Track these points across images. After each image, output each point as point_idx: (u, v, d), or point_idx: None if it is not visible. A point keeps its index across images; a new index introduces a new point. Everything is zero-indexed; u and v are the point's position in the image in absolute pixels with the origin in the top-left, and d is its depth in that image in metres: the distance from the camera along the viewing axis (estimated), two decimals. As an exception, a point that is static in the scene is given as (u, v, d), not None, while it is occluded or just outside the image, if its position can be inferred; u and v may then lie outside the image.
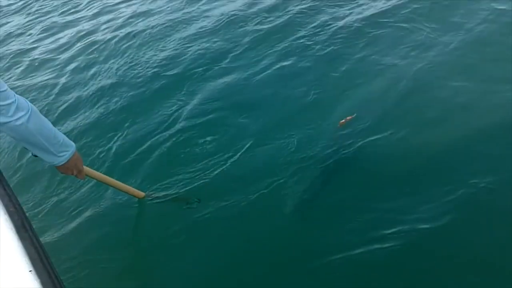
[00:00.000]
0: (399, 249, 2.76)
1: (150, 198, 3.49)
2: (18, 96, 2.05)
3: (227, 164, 3.67)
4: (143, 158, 4.03)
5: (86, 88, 5.49)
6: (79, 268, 3.11)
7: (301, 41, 5.25)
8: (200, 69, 5.19)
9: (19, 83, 6.20)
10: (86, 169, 2.79)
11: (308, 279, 2.73)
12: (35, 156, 2.34)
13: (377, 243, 2.82)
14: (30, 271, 1.30)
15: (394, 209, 3.02)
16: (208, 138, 4.02)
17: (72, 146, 2.43)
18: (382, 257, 2.75)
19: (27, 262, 1.33)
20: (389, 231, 2.87)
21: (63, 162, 2.40)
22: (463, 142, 3.42)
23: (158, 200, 3.49)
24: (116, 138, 4.38)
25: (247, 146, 3.82)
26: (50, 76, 6.12)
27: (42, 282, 1.27)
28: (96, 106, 5.04)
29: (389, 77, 4.36)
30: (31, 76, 6.33)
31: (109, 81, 5.48)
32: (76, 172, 2.58)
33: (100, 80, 5.57)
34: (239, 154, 3.76)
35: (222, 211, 3.29)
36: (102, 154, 4.21)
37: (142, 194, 3.44)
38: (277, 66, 4.91)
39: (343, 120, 3.83)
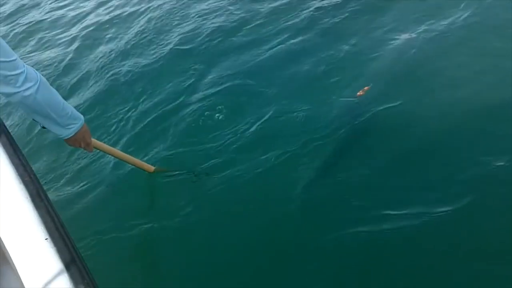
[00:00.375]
0: (409, 230, 2.71)
1: (159, 172, 3.48)
2: (27, 66, 2.02)
3: (239, 137, 3.68)
4: (154, 131, 4.05)
5: (98, 61, 5.51)
6: (92, 237, 3.16)
7: (315, 14, 5.21)
8: (214, 42, 5.18)
9: (30, 54, 6.22)
10: (95, 142, 2.77)
11: (316, 255, 2.74)
12: (44, 128, 2.33)
13: (386, 223, 2.78)
14: (46, 239, 1.32)
15: (406, 187, 2.99)
16: (220, 112, 4.01)
17: (81, 118, 2.41)
18: (391, 237, 2.71)
19: (43, 230, 1.35)
20: (400, 212, 2.83)
21: (71, 135, 2.38)
22: (475, 116, 3.36)
23: (167, 174, 3.49)
24: (127, 111, 4.40)
25: (260, 119, 3.82)
26: (61, 48, 6.14)
27: (58, 249, 1.29)
28: (108, 79, 5.06)
29: (400, 48, 4.33)
30: (42, 48, 6.35)
31: (121, 54, 5.49)
32: (84, 144, 2.56)
33: (111, 53, 5.57)
34: (251, 127, 3.76)
35: (231, 185, 3.31)
36: (113, 127, 4.24)
37: (151, 168, 3.42)
38: (292, 40, 4.89)
39: (360, 91, 3.80)
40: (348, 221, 2.86)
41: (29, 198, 1.46)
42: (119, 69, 5.16)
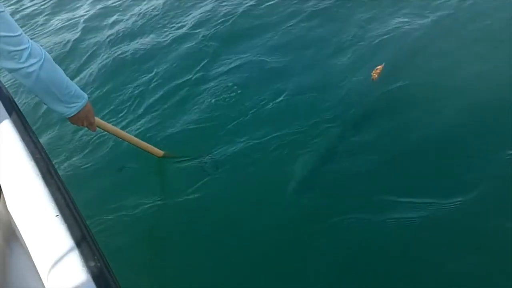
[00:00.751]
0: (414, 220, 2.66)
1: (168, 158, 3.43)
2: (32, 42, 2.00)
3: (249, 118, 3.67)
4: (163, 113, 4.04)
5: (106, 40, 5.53)
6: (97, 216, 3.16)
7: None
8: (226, 24, 5.15)
9: (38, 34, 6.21)
10: (99, 121, 2.74)
11: (318, 240, 2.73)
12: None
13: (392, 212, 2.74)
14: (57, 216, 1.32)
15: (413, 176, 2.95)
16: (231, 92, 4.01)
17: (84, 97, 2.38)
18: (396, 226, 2.66)
19: (54, 207, 1.35)
20: (406, 200, 2.78)
21: (73, 113, 2.36)
22: (488, 104, 3.29)
23: (176, 160, 3.45)
24: (136, 91, 4.41)
25: (272, 100, 3.81)
26: (69, 28, 6.15)
27: (69, 226, 1.29)
28: (117, 59, 5.06)
29: (409, 29, 4.35)
30: (49, 28, 6.35)
31: (130, 35, 5.51)
32: (86, 123, 2.54)
33: (120, 34, 5.60)
34: (262, 108, 3.75)
35: (237, 169, 3.30)
36: (121, 107, 4.25)
37: (160, 152, 3.34)
38: (303, 23, 4.87)
39: (374, 72, 3.74)
40: (352, 207, 2.84)
41: (39, 175, 1.46)
42: (128, 49, 5.16)
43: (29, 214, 1.38)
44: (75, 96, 2.31)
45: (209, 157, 3.44)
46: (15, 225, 1.43)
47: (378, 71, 3.73)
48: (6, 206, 1.51)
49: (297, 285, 2.56)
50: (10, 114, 1.80)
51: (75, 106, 2.34)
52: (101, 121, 2.82)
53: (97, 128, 2.74)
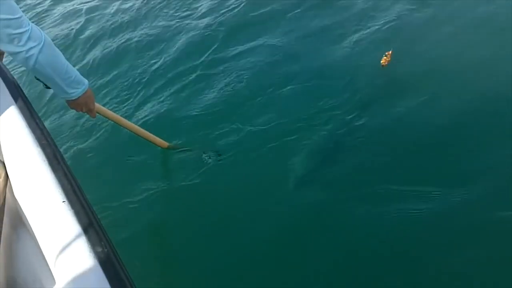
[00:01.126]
0: (418, 214, 2.66)
1: (173, 149, 3.40)
2: (33, 25, 1.97)
3: (256, 108, 3.65)
4: (168, 102, 4.02)
5: (111, 27, 5.51)
6: (105, 202, 3.17)
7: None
8: (232, 13, 5.12)
9: (41, 15, 6.21)
10: (99, 108, 2.70)
11: (322, 231, 2.75)
12: (47, 87, 2.29)
13: (395, 203, 2.74)
14: (63, 201, 1.32)
15: (420, 167, 2.93)
16: (236, 81, 4.00)
17: (84, 83, 2.35)
18: (401, 217, 2.66)
19: (61, 193, 1.35)
20: (411, 191, 2.78)
21: (72, 99, 2.35)
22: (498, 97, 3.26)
23: (180, 149, 3.44)
24: (140, 79, 4.39)
25: (278, 91, 3.79)
26: (73, 14, 6.15)
27: (75, 212, 1.28)
28: (121, 45, 5.07)
29: (410, 16, 4.38)
30: (53, 11, 6.36)
31: (134, 22, 5.50)
32: (85, 109, 2.52)
33: (124, 18, 5.60)
34: (269, 96, 3.74)
35: (242, 161, 3.29)
36: (125, 95, 4.23)
37: (165, 144, 3.30)
38: (307, 11, 4.84)
39: (384, 59, 3.70)
40: (354, 199, 2.84)
41: (46, 161, 1.46)
42: (134, 36, 5.15)
43: (35, 200, 1.38)
44: (75, 81, 2.28)
45: (214, 146, 3.42)
46: (22, 211, 1.43)
47: (387, 57, 3.68)
48: (13, 192, 1.51)
49: (297, 275, 2.57)
50: (16, 100, 1.79)
51: (74, 92, 2.31)
52: (103, 108, 2.78)
53: (97, 115, 2.71)
